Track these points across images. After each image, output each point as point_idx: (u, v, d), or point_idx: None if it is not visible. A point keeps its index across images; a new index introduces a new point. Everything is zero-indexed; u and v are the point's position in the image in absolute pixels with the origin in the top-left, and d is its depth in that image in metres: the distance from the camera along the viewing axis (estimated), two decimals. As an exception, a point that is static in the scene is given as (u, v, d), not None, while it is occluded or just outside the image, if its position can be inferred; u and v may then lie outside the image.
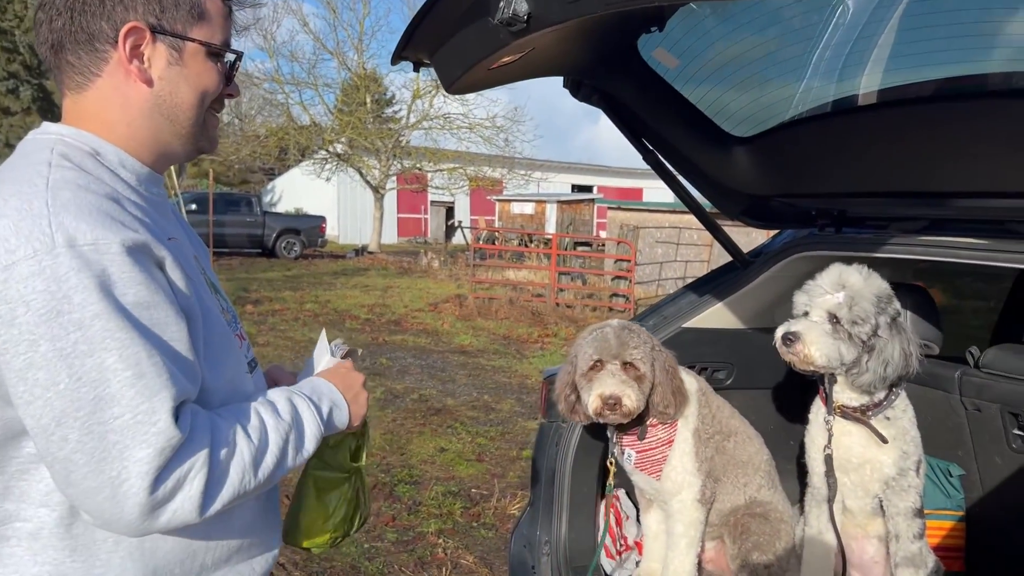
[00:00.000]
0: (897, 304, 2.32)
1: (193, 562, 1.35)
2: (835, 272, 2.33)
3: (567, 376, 2.52)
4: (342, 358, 1.61)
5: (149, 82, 1.34)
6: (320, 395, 1.46)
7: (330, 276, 19.66)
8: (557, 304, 15.16)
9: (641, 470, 2.61)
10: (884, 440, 2.37)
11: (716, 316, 2.98)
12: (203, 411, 1.25)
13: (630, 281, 16.09)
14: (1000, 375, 2.65)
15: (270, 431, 1.31)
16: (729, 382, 3.05)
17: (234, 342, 1.42)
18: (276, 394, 1.40)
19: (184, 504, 1.18)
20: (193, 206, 21.33)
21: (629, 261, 16.21)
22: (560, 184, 38.78)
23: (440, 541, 4.71)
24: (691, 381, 2.64)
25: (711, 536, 2.72)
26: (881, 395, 2.37)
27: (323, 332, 1.64)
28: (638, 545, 2.86)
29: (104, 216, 1.18)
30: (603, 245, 21.63)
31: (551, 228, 27.26)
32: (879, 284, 2.31)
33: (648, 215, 21.74)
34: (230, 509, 1.27)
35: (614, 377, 2.39)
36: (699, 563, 2.61)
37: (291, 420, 1.36)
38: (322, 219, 26.07)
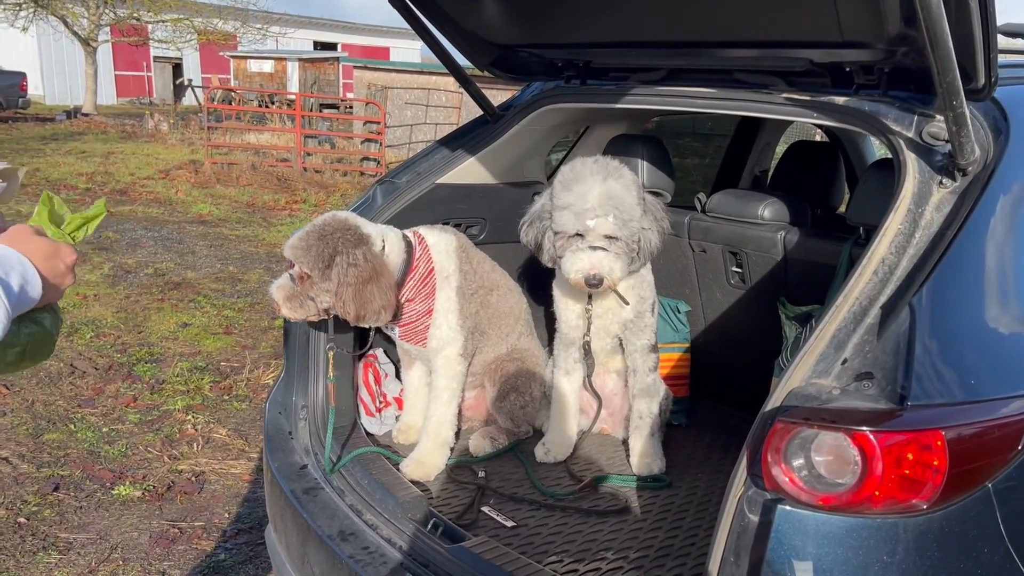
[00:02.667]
0: (639, 181, 2.43)
1: None
2: (599, 189, 2.33)
3: None
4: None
5: None
6: (8, 267, 1.15)
7: (37, 141, 17.25)
8: (305, 169, 14.51)
9: (406, 341, 2.60)
10: (626, 302, 2.53)
11: (469, 171, 2.94)
12: None
13: (381, 144, 15.71)
14: (722, 218, 2.90)
15: None
16: (482, 237, 3.08)
17: None
18: None
19: None
20: None
21: (379, 123, 15.77)
22: (301, 41, 36.41)
23: (189, 417, 4.47)
24: (451, 239, 2.62)
25: (473, 385, 2.80)
26: None
27: None
28: (398, 401, 2.87)
29: None
30: (351, 107, 20.80)
31: (293, 88, 25.74)
32: (630, 177, 2.39)
33: (397, 75, 21.14)
34: None
35: (278, 281, 2.45)
36: (459, 412, 2.68)
37: None
38: (21, 75, 23.24)
